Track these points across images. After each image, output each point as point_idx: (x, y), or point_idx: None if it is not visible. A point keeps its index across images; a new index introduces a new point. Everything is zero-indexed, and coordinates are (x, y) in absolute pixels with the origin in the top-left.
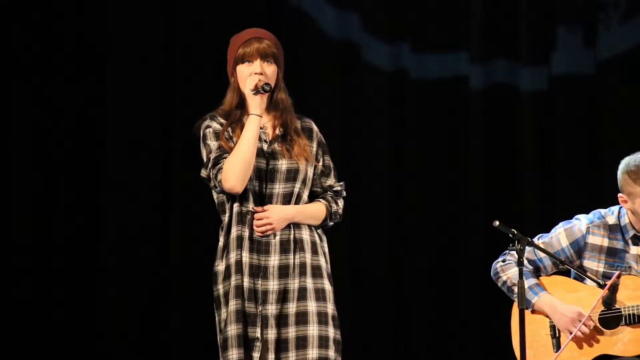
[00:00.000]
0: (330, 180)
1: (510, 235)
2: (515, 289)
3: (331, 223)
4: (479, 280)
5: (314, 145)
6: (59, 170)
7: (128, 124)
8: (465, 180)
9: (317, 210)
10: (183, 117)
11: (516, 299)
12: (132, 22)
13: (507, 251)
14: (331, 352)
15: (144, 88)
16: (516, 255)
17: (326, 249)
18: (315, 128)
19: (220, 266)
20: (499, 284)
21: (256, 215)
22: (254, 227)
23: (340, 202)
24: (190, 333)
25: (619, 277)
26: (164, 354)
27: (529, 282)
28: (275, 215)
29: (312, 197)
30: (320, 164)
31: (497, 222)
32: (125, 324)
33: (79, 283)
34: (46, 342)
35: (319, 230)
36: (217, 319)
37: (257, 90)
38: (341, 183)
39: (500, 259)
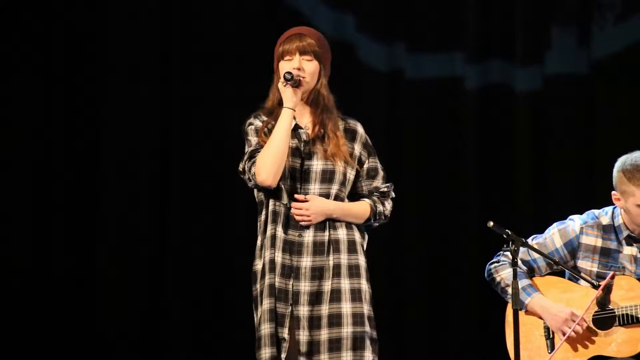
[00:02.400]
0: (377, 182)
1: (505, 236)
2: (509, 290)
3: (376, 224)
4: (474, 280)
5: (357, 147)
6: (58, 171)
7: (126, 125)
8: (462, 180)
9: (360, 210)
10: (182, 117)
11: (510, 300)
12: (128, 21)
13: (501, 252)
14: (367, 353)
15: (143, 87)
16: (510, 256)
17: (365, 247)
18: (360, 130)
19: (258, 265)
20: (493, 285)
21: (295, 205)
22: (292, 212)
23: (388, 204)
24: (189, 332)
25: (613, 277)
26: (163, 353)
27: (522, 283)
28: (314, 207)
29: (358, 199)
30: (365, 166)
31: (492, 223)
32: (125, 323)
33: (79, 283)
34: (45, 341)
35: (363, 230)
36: (255, 319)
37: (285, 82)
38: (388, 184)
39: (494, 259)
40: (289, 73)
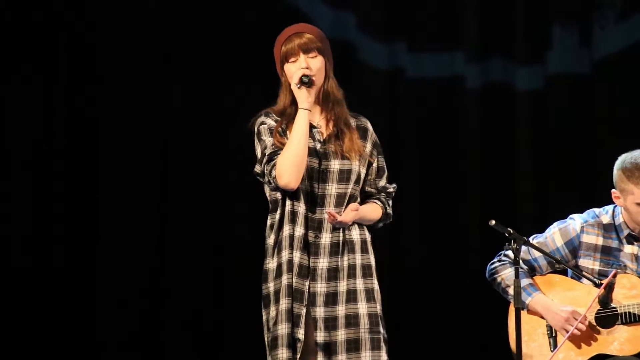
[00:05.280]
0: (383, 182)
1: (506, 235)
2: (510, 290)
3: (380, 224)
4: (476, 279)
5: (369, 145)
6: (57, 169)
7: (127, 122)
8: (463, 179)
9: (375, 213)
10: (182, 115)
11: (511, 299)
12: (130, 21)
13: (503, 252)
14: (383, 353)
15: (143, 86)
16: (512, 255)
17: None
18: (370, 128)
19: (271, 264)
20: (494, 285)
21: (345, 219)
22: (328, 216)
23: (390, 204)
24: (188, 331)
25: (615, 276)
26: (162, 352)
27: (523, 282)
28: (346, 221)
29: (365, 197)
30: (375, 164)
31: (493, 222)
32: (125, 322)
33: (78, 281)
34: (44, 340)
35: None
36: (264, 317)
37: (300, 83)
38: (394, 185)
39: (495, 259)
40: (307, 76)
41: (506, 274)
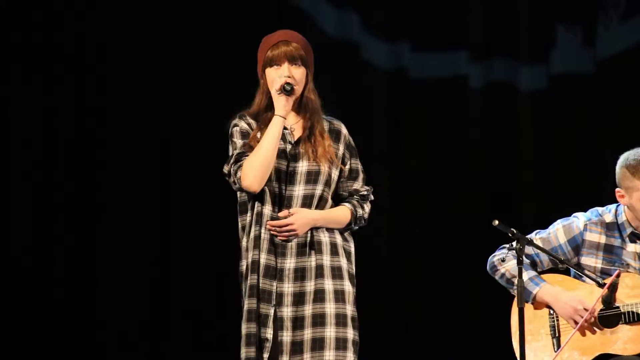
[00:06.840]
0: (357, 184)
1: (510, 235)
2: (515, 281)
3: (355, 227)
4: (478, 279)
5: (341, 147)
6: (58, 171)
7: (128, 124)
8: (465, 179)
9: (341, 215)
10: (183, 117)
11: (516, 297)
12: (131, 20)
13: (506, 249)
14: (349, 354)
15: (144, 87)
16: (515, 255)
17: (352, 250)
18: (344, 131)
19: (243, 267)
20: (497, 277)
21: (280, 222)
22: (275, 232)
23: (367, 206)
24: (189, 333)
25: (618, 275)
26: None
27: (529, 273)
28: (299, 219)
29: (339, 201)
30: (347, 167)
31: (497, 221)
32: (125, 325)
33: (79, 284)
34: (45, 343)
35: (346, 233)
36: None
37: (281, 91)
38: (368, 187)
39: (497, 253)
40: (289, 84)
41: (510, 266)
